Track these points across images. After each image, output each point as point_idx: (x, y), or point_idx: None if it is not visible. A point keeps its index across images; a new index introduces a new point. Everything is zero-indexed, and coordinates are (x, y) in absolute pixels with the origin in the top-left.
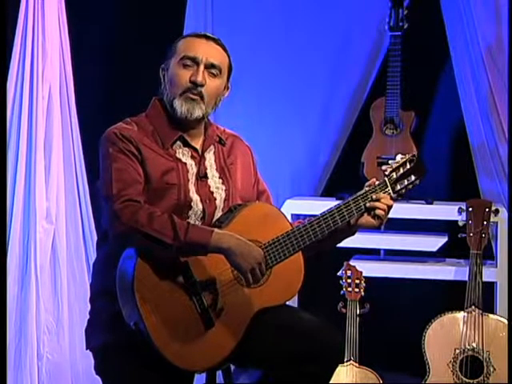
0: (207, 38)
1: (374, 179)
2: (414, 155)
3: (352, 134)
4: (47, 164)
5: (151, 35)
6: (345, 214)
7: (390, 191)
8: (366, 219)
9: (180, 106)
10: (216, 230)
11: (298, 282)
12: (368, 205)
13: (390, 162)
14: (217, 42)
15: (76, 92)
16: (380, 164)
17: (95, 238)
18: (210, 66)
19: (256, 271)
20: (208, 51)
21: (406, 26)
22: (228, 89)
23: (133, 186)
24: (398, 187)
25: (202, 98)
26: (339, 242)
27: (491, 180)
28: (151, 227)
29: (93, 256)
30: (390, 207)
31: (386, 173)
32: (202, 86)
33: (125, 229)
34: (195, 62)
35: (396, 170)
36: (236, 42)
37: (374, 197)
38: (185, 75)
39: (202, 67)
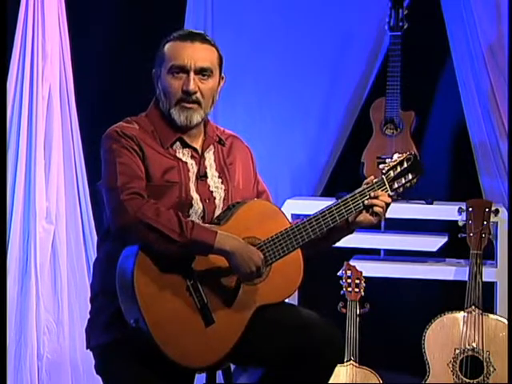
0: (192, 38)
1: (372, 177)
2: (411, 153)
3: (352, 134)
4: (47, 164)
5: (151, 35)
6: (343, 211)
7: (388, 189)
8: (365, 216)
9: (178, 116)
10: (219, 231)
11: (297, 279)
12: (366, 202)
13: (387, 160)
14: (202, 39)
15: (76, 92)
16: (380, 164)
17: (95, 237)
18: (199, 71)
19: (253, 275)
20: (195, 55)
21: (405, 26)
22: (223, 79)
23: (137, 181)
24: (396, 185)
25: (198, 104)
26: (338, 240)
27: (493, 178)
28: (158, 221)
29: (93, 256)
30: (387, 204)
31: (384, 171)
32: (196, 93)
33: (130, 221)
34: (184, 70)
35: (393, 168)
36: (236, 42)
37: (372, 194)
38: (176, 85)
39: (191, 75)
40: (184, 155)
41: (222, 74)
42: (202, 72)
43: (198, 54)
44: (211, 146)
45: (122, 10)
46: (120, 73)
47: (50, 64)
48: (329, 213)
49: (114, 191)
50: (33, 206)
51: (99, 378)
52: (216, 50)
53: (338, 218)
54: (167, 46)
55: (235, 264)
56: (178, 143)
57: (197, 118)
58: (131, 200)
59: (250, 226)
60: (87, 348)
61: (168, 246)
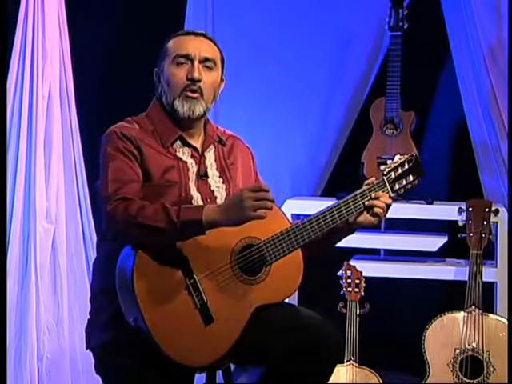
0: (195, 34)
1: (373, 178)
2: (412, 155)
3: (352, 134)
4: (47, 164)
5: (151, 35)
6: (344, 212)
7: (389, 190)
8: (365, 217)
9: (181, 107)
10: (207, 205)
11: (297, 279)
12: (367, 203)
13: (388, 161)
14: (205, 36)
15: (76, 92)
16: (380, 164)
17: (95, 238)
18: (204, 60)
19: (255, 205)
20: (199, 46)
21: (406, 26)
22: (223, 81)
23: (128, 185)
24: (397, 187)
25: (201, 94)
26: (338, 241)
27: (494, 178)
28: (143, 216)
29: (93, 256)
30: (388, 206)
31: (385, 172)
32: (200, 81)
33: (120, 226)
34: (189, 58)
35: (394, 169)
36: (236, 42)
37: (372, 195)
38: (181, 74)
39: (196, 63)
40: (184, 154)
41: (223, 76)
42: (206, 62)
43: (202, 45)
44: (211, 146)
45: (122, 9)
46: (120, 72)
47: (49, 64)
48: (329, 213)
49: (105, 199)
50: (33, 206)
51: (99, 378)
52: (218, 49)
53: (338, 218)
54: (170, 42)
55: (233, 222)
56: (178, 142)
57: (199, 109)
58: (117, 206)
59: (250, 225)
60: (87, 348)
61: (161, 237)
